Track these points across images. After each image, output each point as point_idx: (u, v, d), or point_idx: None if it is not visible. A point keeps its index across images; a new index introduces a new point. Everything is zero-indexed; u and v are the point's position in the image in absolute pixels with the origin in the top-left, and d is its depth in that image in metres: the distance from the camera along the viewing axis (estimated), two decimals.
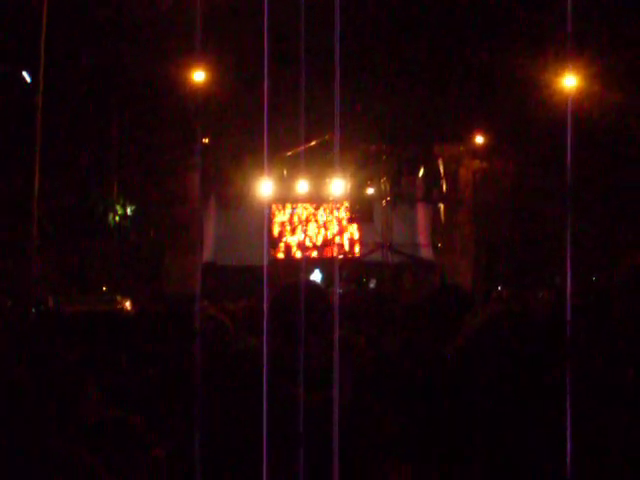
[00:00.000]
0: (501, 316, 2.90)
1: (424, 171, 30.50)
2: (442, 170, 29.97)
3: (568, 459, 2.68)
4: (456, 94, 25.78)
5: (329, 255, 30.08)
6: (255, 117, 22.56)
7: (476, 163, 29.15)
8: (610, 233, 25.18)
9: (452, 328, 3.73)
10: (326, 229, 30.55)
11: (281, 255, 30.14)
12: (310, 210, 30.55)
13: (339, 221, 30.55)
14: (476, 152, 28.82)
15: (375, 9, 24.54)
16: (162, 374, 3.65)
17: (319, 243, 30.40)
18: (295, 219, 30.54)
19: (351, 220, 30.68)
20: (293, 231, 30.54)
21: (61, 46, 22.18)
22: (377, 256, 30.54)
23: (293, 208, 30.49)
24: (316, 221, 30.62)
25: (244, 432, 2.95)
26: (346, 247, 30.75)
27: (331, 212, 30.49)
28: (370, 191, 30.60)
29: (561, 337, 2.85)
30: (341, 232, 30.66)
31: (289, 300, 3.24)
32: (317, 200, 30.15)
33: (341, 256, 30.40)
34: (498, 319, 2.87)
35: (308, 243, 30.49)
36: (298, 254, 30.22)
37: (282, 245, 30.34)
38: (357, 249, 31.04)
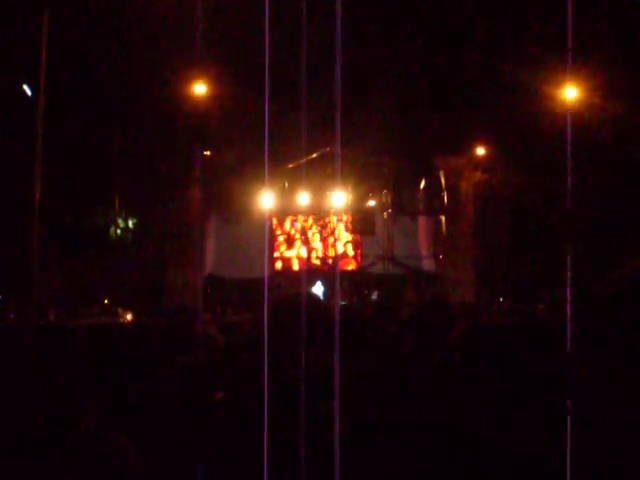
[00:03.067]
0: (469, 332, 2.90)
1: (425, 183, 30.53)
2: (443, 182, 29.97)
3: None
4: (457, 106, 25.80)
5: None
6: (256, 130, 22.62)
7: (477, 175, 29.16)
8: (612, 245, 25.15)
9: (436, 343, 3.76)
10: (335, 239, 30.57)
11: (279, 266, 30.15)
12: (309, 222, 30.56)
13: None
14: (477, 164, 28.83)
15: (377, 21, 24.58)
16: (159, 389, 3.65)
17: (331, 255, 30.41)
18: (291, 231, 30.58)
19: (353, 232, 30.70)
20: (291, 244, 30.55)
21: (62, 59, 22.21)
22: (378, 268, 30.57)
23: (293, 220, 30.51)
24: (322, 232, 30.64)
25: (243, 448, 2.95)
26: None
27: (341, 222, 30.51)
28: (371, 203, 30.63)
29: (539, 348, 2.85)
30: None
31: (284, 313, 3.25)
32: (318, 212, 30.16)
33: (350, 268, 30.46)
34: (467, 335, 2.88)
35: (314, 257, 30.48)
36: (297, 266, 30.23)
37: (280, 258, 30.36)
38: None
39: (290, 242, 30.61)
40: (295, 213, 30.24)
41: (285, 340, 3.16)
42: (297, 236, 30.63)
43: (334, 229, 30.66)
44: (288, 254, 30.53)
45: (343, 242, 30.78)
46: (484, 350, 2.69)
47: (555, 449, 2.63)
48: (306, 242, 30.53)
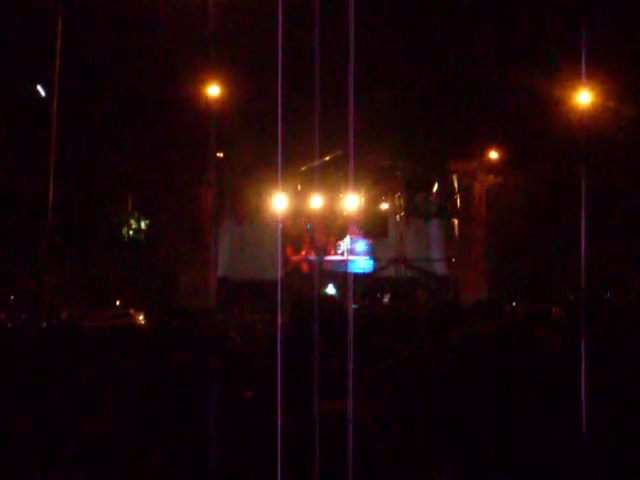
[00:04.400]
0: (464, 340, 2.90)
1: (438, 186, 30.48)
2: (456, 185, 29.93)
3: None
4: (470, 109, 25.77)
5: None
6: (269, 132, 22.63)
7: (490, 178, 29.10)
8: (626, 249, 25.09)
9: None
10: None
11: (290, 269, 30.18)
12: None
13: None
14: (490, 167, 28.77)
15: (389, 25, 24.56)
16: (176, 386, 3.64)
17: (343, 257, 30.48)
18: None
19: (366, 235, 30.77)
20: (303, 246, 30.60)
21: (76, 60, 22.27)
22: (391, 271, 30.57)
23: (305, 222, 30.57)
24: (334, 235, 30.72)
25: (259, 442, 2.95)
26: None
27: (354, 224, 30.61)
28: (384, 206, 30.62)
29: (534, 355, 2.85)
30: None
31: (308, 312, 3.24)
32: (330, 215, 30.16)
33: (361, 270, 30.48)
34: (462, 342, 2.89)
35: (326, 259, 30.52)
36: (308, 268, 30.26)
37: (292, 260, 30.38)
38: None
39: (302, 244, 30.62)
40: (307, 215, 30.24)
41: (306, 339, 3.15)
42: (309, 238, 30.65)
43: (347, 232, 30.68)
44: (300, 256, 30.54)
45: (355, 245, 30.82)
46: (477, 356, 2.70)
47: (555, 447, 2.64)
48: (318, 244, 30.54)
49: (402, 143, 27.32)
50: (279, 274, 24.85)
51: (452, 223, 30.85)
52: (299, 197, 29.34)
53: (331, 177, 27.73)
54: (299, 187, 29.14)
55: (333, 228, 30.65)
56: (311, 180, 28.46)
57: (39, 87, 22.64)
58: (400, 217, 30.48)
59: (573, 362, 2.82)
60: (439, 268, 31.62)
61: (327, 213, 29.94)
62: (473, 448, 2.52)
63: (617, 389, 2.99)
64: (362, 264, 31.04)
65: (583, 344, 2.93)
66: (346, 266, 30.12)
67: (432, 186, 30.61)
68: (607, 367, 3.15)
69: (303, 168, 27.64)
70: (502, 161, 28.23)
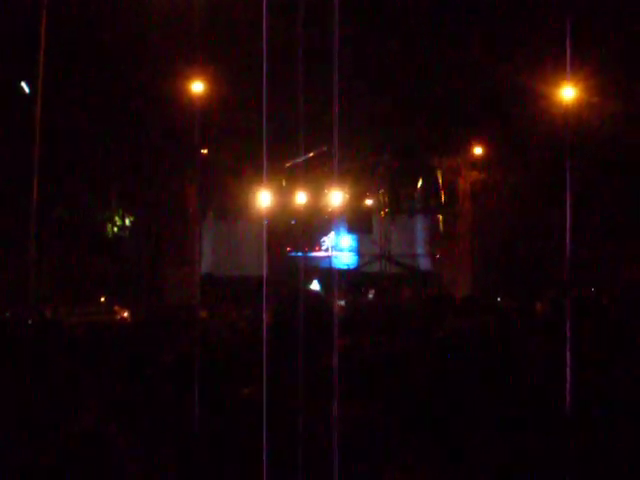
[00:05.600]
0: (452, 335, 2.95)
1: (423, 182, 30.53)
2: (441, 181, 29.97)
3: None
4: (455, 106, 25.80)
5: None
6: (254, 128, 22.62)
7: (474, 174, 29.15)
8: (609, 244, 25.18)
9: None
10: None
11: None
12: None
13: None
14: (474, 163, 28.82)
15: (375, 21, 24.57)
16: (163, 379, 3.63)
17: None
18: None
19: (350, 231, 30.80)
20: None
21: (60, 57, 22.19)
22: (375, 267, 30.59)
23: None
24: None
25: (243, 439, 2.96)
26: None
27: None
28: (369, 202, 30.64)
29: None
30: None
31: (293, 308, 3.25)
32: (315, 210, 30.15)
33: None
34: (449, 338, 2.93)
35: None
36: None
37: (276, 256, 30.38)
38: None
39: (286, 240, 30.60)
40: (292, 212, 30.20)
41: (289, 336, 3.17)
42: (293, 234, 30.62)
43: (331, 228, 30.70)
44: (284, 252, 30.52)
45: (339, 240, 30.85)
46: (464, 352, 2.73)
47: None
48: (302, 240, 30.54)
49: (386, 139, 27.35)
50: (264, 271, 24.84)
51: (436, 219, 30.90)
52: (284, 193, 29.30)
53: (316, 173, 27.72)
54: (284, 183, 29.10)
55: (318, 224, 30.63)
56: (296, 176, 28.44)
57: (23, 84, 22.57)
58: (384, 213, 30.51)
59: (558, 356, 2.85)
60: (423, 264, 31.66)
61: (312, 209, 29.91)
62: (460, 441, 2.55)
63: (602, 382, 3.02)
64: (346, 260, 31.05)
65: (568, 338, 2.95)
66: (330, 262, 30.12)
67: (416, 182, 30.65)
68: (592, 360, 3.18)
69: (288, 164, 27.63)
70: (486, 157, 28.29)
